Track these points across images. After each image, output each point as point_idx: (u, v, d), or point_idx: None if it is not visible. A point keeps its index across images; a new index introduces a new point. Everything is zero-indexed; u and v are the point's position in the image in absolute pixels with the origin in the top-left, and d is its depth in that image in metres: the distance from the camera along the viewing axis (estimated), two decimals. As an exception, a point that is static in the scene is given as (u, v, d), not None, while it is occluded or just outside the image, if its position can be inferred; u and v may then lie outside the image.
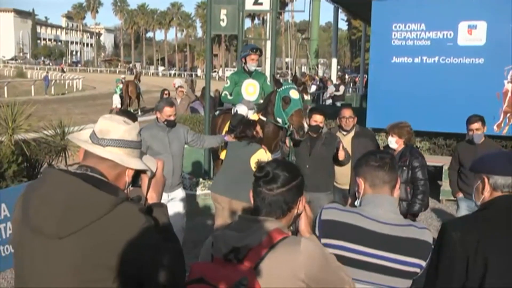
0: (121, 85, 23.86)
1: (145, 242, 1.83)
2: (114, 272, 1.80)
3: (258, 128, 5.44)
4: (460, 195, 6.03)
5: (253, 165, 5.37)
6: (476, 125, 5.79)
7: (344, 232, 2.28)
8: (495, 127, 9.98)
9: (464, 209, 5.97)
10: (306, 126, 5.60)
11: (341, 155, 5.59)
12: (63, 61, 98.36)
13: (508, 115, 9.92)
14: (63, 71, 53.50)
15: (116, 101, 23.28)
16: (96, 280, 1.79)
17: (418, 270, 2.29)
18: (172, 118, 5.59)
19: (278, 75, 35.47)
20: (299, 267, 1.82)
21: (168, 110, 5.57)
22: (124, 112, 5.65)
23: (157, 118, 5.65)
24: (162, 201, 5.95)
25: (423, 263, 2.29)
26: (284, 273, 1.82)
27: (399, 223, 2.32)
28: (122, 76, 29.30)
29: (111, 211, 1.81)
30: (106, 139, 1.97)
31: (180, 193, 5.80)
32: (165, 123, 5.60)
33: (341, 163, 5.73)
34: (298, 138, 5.64)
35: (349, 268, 2.24)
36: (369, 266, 2.27)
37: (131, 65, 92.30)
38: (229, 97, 6.94)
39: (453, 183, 6.10)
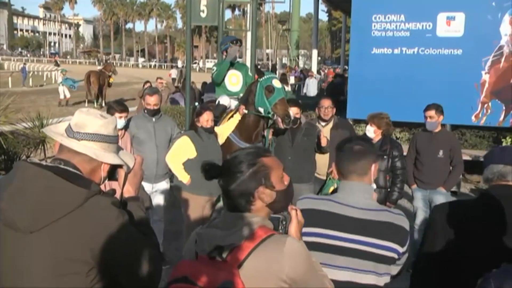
0: (60, 77, 23.33)
1: (118, 235, 1.82)
2: (87, 265, 1.80)
3: (202, 117, 5.35)
4: (414, 186, 6.10)
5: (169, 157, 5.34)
6: (430, 113, 5.84)
7: (318, 219, 2.30)
8: (473, 117, 10.11)
9: (419, 199, 6.07)
10: (292, 114, 5.59)
11: (324, 141, 5.64)
12: (41, 52, 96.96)
13: (486, 105, 10.05)
14: (57, 64, 50.82)
15: (61, 92, 22.81)
16: (70, 273, 1.79)
17: (395, 255, 2.31)
18: (151, 107, 5.55)
19: (259, 66, 35.36)
20: (282, 268, 1.79)
21: (148, 99, 5.55)
22: (115, 102, 5.58)
23: (144, 107, 5.66)
24: (146, 191, 5.86)
25: (400, 249, 2.31)
26: (267, 273, 1.79)
27: (373, 208, 2.36)
28: (99, 67, 28.87)
29: (83, 204, 1.80)
30: (81, 133, 1.95)
31: (164, 185, 5.79)
32: (145, 112, 5.58)
33: (323, 151, 5.77)
34: (285, 127, 5.63)
35: (325, 254, 2.25)
36: (345, 251, 2.31)
37: (105, 56, 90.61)
38: (215, 74, 6.74)
39: (409, 173, 6.07)
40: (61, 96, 22.84)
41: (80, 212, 1.79)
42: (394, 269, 2.41)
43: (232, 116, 6.03)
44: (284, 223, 1.94)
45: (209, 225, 1.94)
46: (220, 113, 6.21)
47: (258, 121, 5.90)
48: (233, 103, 6.43)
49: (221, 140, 5.71)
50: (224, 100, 6.44)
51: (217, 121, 5.91)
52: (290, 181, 1.99)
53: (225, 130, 5.86)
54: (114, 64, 35.59)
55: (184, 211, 5.43)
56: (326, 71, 34.73)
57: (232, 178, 1.90)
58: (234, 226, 1.85)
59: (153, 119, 5.58)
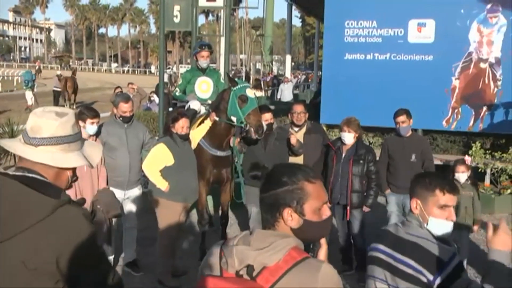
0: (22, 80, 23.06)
1: (85, 248, 1.79)
2: (54, 276, 1.76)
3: (178, 123, 5.31)
4: (388, 191, 6.16)
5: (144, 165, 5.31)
6: (401, 118, 5.93)
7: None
8: (444, 122, 10.28)
9: (393, 203, 6.13)
10: (265, 125, 5.59)
11: (293, 140, 5.66)
12: (11, 57, 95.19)
13: (456, 110, 10.23)
14: (39, 70, 48.41)
15: (29, 98, 22.33)
16: (37, 284, 1.75)
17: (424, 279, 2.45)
18: (127, 114, 5.51)
19: (233, 72, 35.40)
20: None
21: (123, 106, 5.49)
22: (86, 108, 5.49)
23: (114, 114, 5.58)
24: (118, 199, 5.76)
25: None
26: None
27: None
28: (58, 72, 28.52)
29: (52, 214, 1.76)
30: (37, 138, 1.87)
31: (136, 191, 5.72)
32: (121, 119, 5.53)
33: (295, 152, 5.79)
34: (257, 137, 5.62)
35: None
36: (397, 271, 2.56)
37: (71, 62, 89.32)
38: (177, 93, 6.89)
39: (382, 178, 6.12)
40: (29, 103, 22.33)
41: (48, 222, 1.75)
42: None
43: (202, 121, 6.00)
44: (314, 248, 1.92)
45: (238, 241, 1.86)
46: (191, 118, 6.18)
47: (229, 129, 5.87)
48: (203, 109, 6.41)
49: (192, 145, 5.69)
50: (194, 104, 6.42)
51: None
52: (329, 218, 1.91)
53: (195, 135, 5.82)
54: (85, 69, 35.17)
55: (159, 217, 5.38)
56: (300, 76, 34.90)
57: (269, 186, 1.88)
58: (267, 245, 1.78)
59: (125, 125, 5.54)
